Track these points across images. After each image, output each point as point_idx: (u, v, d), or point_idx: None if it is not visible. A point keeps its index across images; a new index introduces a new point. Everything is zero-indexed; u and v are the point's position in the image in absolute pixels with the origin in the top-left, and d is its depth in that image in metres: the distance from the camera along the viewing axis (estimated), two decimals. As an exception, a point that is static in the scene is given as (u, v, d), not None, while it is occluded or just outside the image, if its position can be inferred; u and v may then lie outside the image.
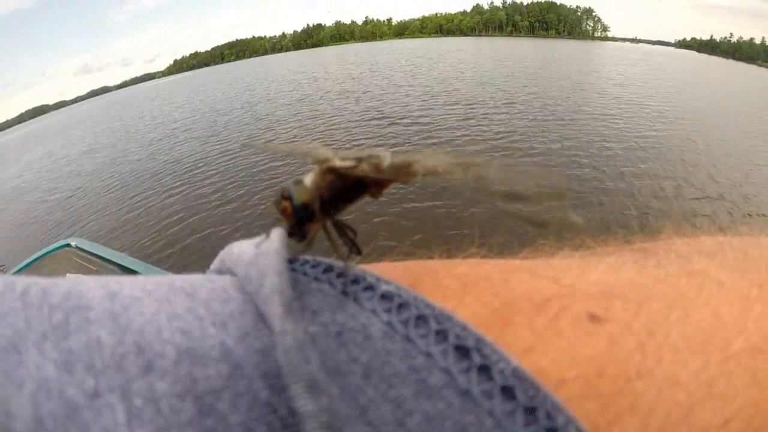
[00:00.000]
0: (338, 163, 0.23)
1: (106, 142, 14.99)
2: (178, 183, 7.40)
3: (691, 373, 0.16)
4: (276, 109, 13.68)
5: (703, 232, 0.29)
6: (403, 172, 0.23)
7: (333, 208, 0.23)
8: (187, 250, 4.89)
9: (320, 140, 8.22)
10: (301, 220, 0.22)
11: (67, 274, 2.75)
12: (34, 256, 2.93)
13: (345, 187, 0.24)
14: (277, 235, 0.20)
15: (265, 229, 0.21)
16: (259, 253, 0.19)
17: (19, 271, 2.84)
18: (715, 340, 0.17)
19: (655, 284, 0.20)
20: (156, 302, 0.16)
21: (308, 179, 0.23)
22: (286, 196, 0.22)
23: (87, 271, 2.78)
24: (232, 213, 5.67)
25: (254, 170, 7.05)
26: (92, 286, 0.16)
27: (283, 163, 6.51)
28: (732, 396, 0.16)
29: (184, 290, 0.17)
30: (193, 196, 6.56)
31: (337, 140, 8.26)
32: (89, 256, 2.81)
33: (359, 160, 0.24)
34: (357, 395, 0.14)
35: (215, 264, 0.22)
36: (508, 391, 0.14)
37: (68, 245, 2.92)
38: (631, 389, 0.15)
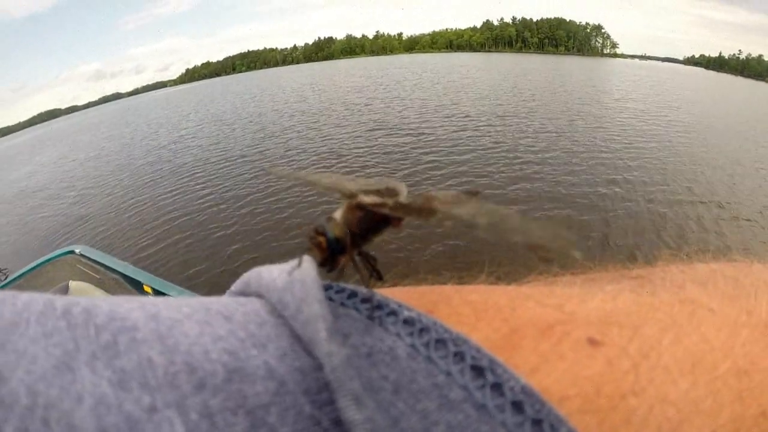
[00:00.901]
0: (366, 200, 0.26)
1: (113, 147, 15.24)
2: (179, 187, 7.72)
3: (680, 391, 0.17)
4: (280, 119, 13.97)
5: (698, 260, 0.30)
6: (424, 211, 0.25)
7: (361, 240, 0.26)
8: (180, 250, 5.09)
9: (322, 152, 8.39)
10: (333, 252, 0.24)
11: (70, 281, 2.81)
12: (37, 262, 2.98)
13: (372, 222, 0.26)
14: (310, 264, 0.22)
15: (295, 257, 0.23)
16: (294, 281, 0.20)
17: (22, 276, 2.88)
18: (703, 362, 0.19)
19: (650, 311, 0.21)
20: (197, 324, 0.17)
21: (338, 215, 0.25)
22: (320, 232, 0.24)
23: (90, 279, 2.82)
24: (225, 215, 6.02)
25: (248, 177, 7.51)
26: (131, 307, 0.17)
27: (275, 179, 6.75)
28: (718, 412, 0.17)
29: (220, 313, 0.18)
30: (191, 200, 6.89)
31: (333, 151, 8.47)
32: (93, 264, 2.85)
33: (380, 193, 0.27)
34: (389, 408, 0.15)
35: (238, 285, 0.24)
36: (517, 406, 0.15)
37: (72, 252, 2.97)
38: (626, 405, 0.16)
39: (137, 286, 2.58)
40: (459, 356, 0.17)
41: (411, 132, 9.34)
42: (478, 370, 0.16)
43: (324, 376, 0.16)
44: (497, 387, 0.16)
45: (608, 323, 0.20)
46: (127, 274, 2.67)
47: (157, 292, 2.44)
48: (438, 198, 0.26)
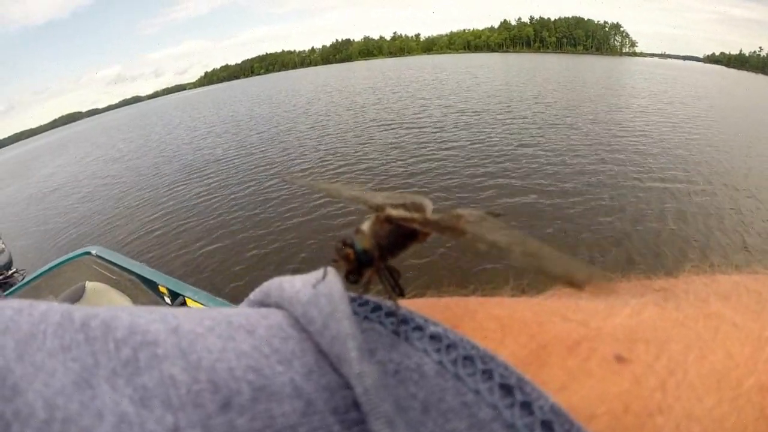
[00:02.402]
0: (394, 213, 0.25)
1: (130, 148, 15.65)
2: (196, 188, 7.95)
3: (705, 409, 0.17)
4: (293, 120, 14.17)
5: (720, 272, 0.29)
6: (453, 229, 0.24)
7: (389, 254, 0.25)
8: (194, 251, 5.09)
9: (333, 154, 8.41)
10: (361, 264, 0.24)
11: (87, 282, 2.79)
12: (54, 262, 2.99)
13: (399, 236, 0.25)
14: (335, 277, 0.21)
15: (316, 268, 0.22)
16: (319, 294, 0.20)
17: (39, 276, 2.88)
18: (728, 379, 0.18)
19: (674, 327, 0.21)
20: (220, 339, 0.17)
21: (366, 227, 0.25)
22: (348, 243, 0.24)
23: (106, 280, 2.81)
24: (224, 210, 6.39)
25: (252, 177, 7.79)
26: (151, 320, 0.17)
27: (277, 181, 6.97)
28: (742, 430, 0.17)
29: (243, 327, 0.18)
30: (208, 201, 7.08)
31: (335, 148, 8.43)
32: (109, 265, 2.84)
33: (406, 208, 0.26)
34: (419, 428, 0.15)
35: (257, 295, 0.23)
36: (547, 425, 0.15)
37: (89, 253, 2.96)
38: (653, 424, 0.16)
39: (153, 287, 2.57)
40: (487, 374, 0.17)
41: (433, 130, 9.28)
42: (506, 389, 0.16)
43: (352, 394, 0.16)
44: (526, 406, 0.16)
45: (634, 339, 0.19)
46: (142, 274, 2.65)
47: (173, 293, 2.43)
48: (465, 217, 0.25)
